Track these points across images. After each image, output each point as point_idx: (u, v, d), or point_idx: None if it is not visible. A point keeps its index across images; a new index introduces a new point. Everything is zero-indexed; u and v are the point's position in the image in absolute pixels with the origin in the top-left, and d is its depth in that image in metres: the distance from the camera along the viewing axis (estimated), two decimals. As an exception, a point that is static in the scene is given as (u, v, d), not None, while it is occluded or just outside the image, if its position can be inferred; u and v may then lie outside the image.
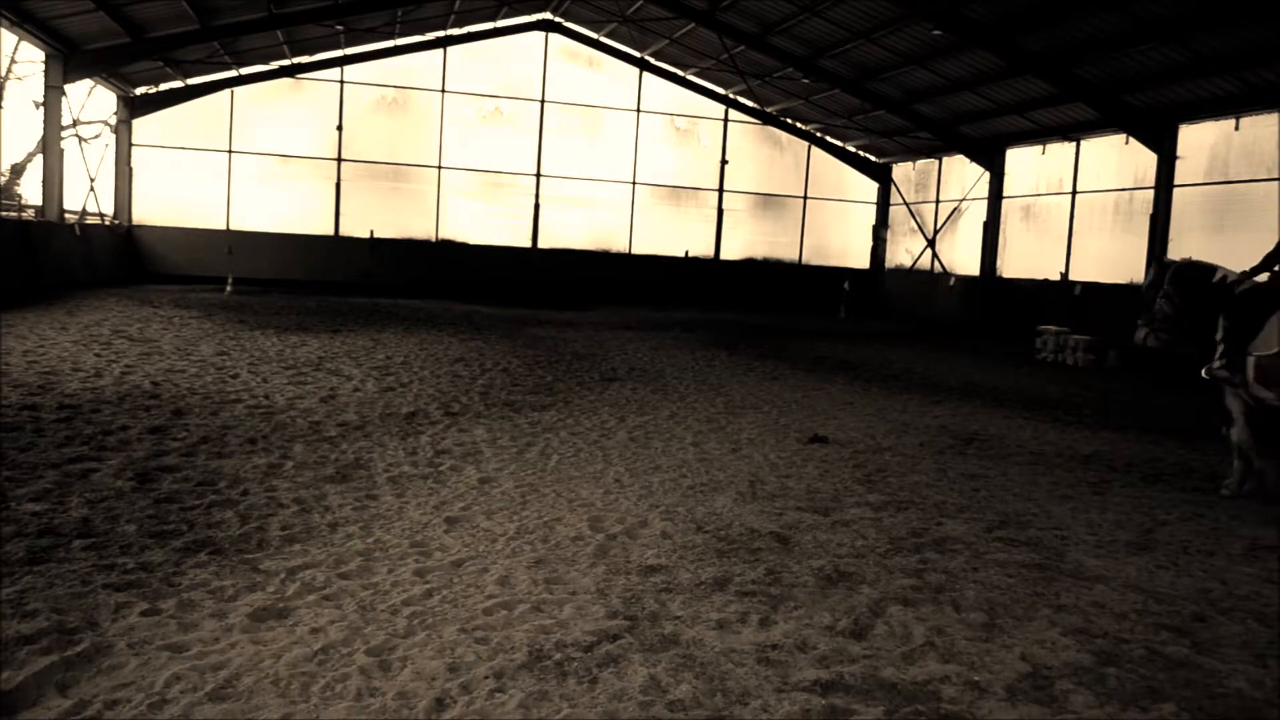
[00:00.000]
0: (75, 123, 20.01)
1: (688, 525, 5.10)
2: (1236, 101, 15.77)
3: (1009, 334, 19.12)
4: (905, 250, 27.09)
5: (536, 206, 25.58)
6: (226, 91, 23.40)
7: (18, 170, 29.47)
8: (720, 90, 26.27)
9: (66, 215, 19.56)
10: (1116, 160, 19.26)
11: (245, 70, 23.25)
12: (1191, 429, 9.52)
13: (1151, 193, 17.78)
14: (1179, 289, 7.07)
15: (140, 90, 22.79)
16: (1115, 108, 17.63)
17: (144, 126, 23.11)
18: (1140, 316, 7.38)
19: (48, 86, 18.42)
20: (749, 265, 26.93)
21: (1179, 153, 17.33)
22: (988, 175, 22.94)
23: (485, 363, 11.31)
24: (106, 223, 22.38)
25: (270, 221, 23.87)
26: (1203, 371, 6.78)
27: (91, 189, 21.12)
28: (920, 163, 26.38)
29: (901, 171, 27.30)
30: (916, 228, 26.36)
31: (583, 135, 25.78)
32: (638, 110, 26.03)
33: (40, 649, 3.18)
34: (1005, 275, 22.53)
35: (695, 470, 6.44)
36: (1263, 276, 6.78)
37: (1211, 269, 7.02)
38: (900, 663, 3.47)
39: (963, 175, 24.32)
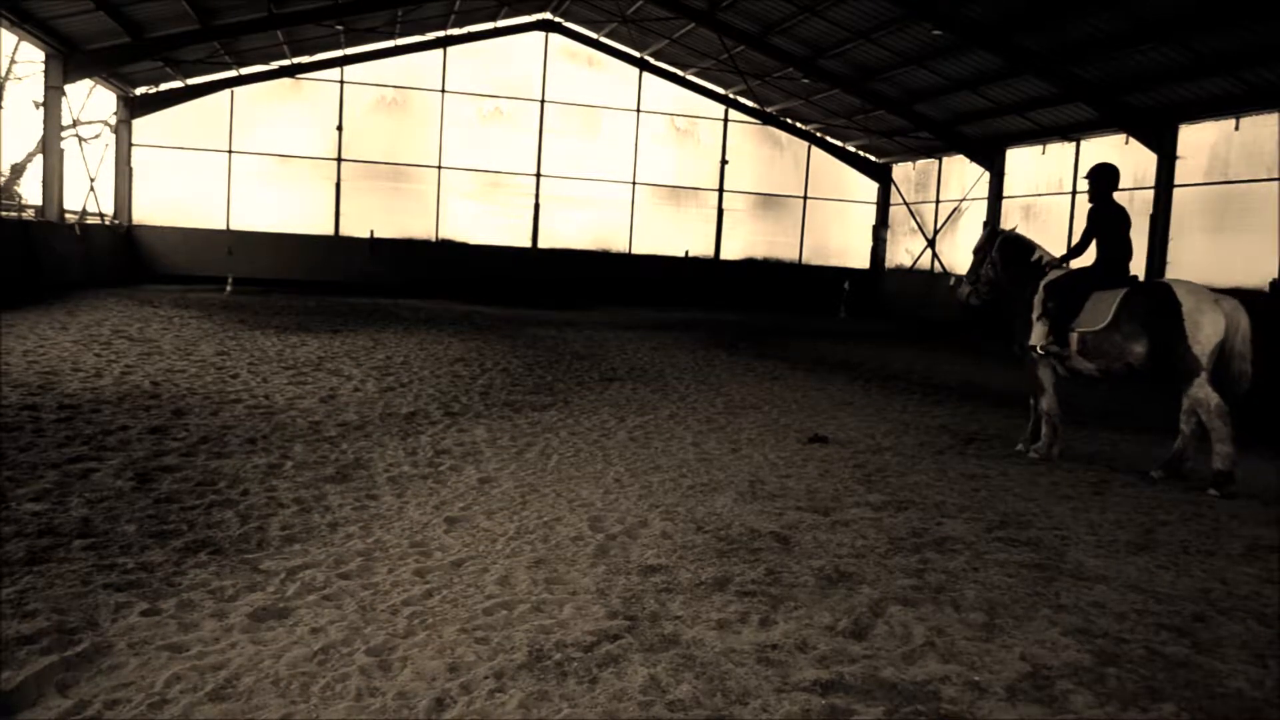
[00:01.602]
0: (75, 123, 20.00)
1: (688, 525, 5.10)
2: (1236, 101, 15.76)
3: (1009, 334, 19.10)
4: (905, 250, 27.08)
5: (536, 206, 25.58)
6: (226, 91, 23.38)
7: (18, 170, 29.42)
8: (720, 90, 26.26)
9: (66, 215, 19.55)
10: (1116, 160, 19.17)
11: (245, 70, 23.25)
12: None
13: (1151, 193, 17.78)
14: (1002, 258, 7.93)
15: (140, 90, 22.78)
16: (1115, 108, 17.62)
17: (144, 126, 23.10)
18: (967, 275, 8.21)
19: (48, 86, 18.41)
20: (749, 265, 26.91)
21: (1179, 153, 17.33)
22: (988, 175, 22.93)
23: (485, 363, 11.31)
24: (106, 223, 22.37)
25: (270, 221, 23.85)
26: (1035, 348, 7.49)
27: (91, 189, 21.12)
28: (920, 163, 26.38)
29: (901, 171, 27.30)
30: (916, 228, 26.35)
31: (583, 135, 25.76)
32: (638, 110, 26.02)
33: (40, 649, 3.18)
34: (1005, 275, 22.50)
35: (695, 470, 6.44)
36: (1075, 262, 7.69)
37: (1032, 247, 7.87)
38: (900, 663, 3.47)
39: (963, 175, 24.31)
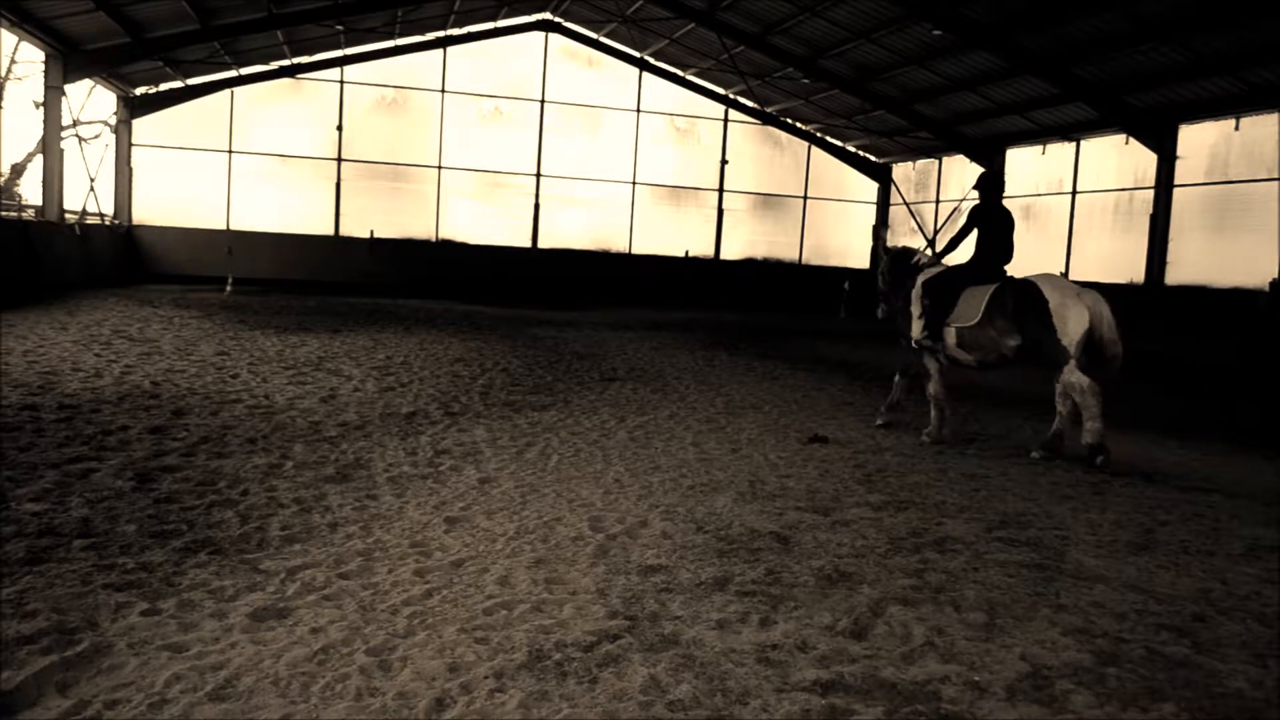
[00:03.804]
0: (75, 123, 20.01)
1: (688, 525, 5.09)
2: (1236, 101, 15.77)
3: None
4: (905, 250, 27.08)
5: (536, 206, 25.58)
6: (226, 91, 23.40)
7: (18, 170, 29.49)
8: (720, 90, 26.27)
9: (66, 215, 19.56)
10: (1116, 160, 19.26)
11: (245, 70, 23.26)
12: (1191, 429, 9.53)
13: (1151, 193, 17.79)
14: (890, 269, 8.68)
15: (140, 90, 22.79)
16: (1115, 108, 17.63)
17: (144, 126, 23.12)
18: (879, 295, 8.93)
19: (48, 86, 18.42)
20: (749, 265, 26.92)
21: (1179, 153, 17.34)
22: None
23: (485, 363, 11.31)
24: (106, 223, 22.37)
25: (270, 221, 23.87)
26: (912, 341, 8.09)
27: (91, 189, 21.13)
28: (920, 163, 26.39)
29: (901, 171, 27.30)
30: (916, 228, 26.36)
31: (583, 135, 25.78)
32: (638, 110, 26.03)
33: (40, 649, 3.18)
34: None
35: (695, 470, 6.44)
36: (949, 259, 8.34)
37: (912, 253, 8.63)
38: (900, 663, 3.47)
39: (962, 175, 24.32)
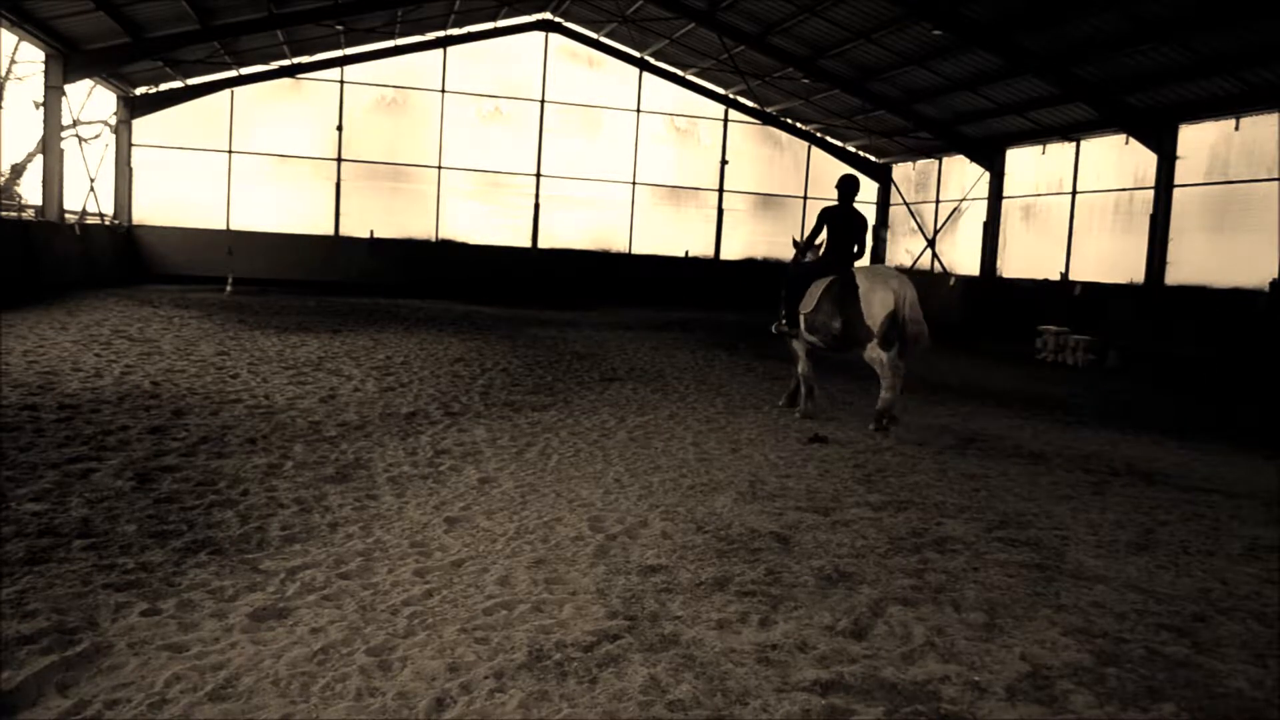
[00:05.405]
0: (75, 123, 20.00)
1: (688, 525, 5.10)
2: (1236, 101, 15.76)
3: (1009, 334, 19.12)
4: (905, 250, 27.08)
5: (536, 206, 25.58)
6: (226, 91, 23.38)
7: (18, 170, 29.45)
8: (720, 90, 26.26)
9: (66, 215, 19.54)
10: (1116, 160, 19.25)
11: (245, 70, 23.25)
12: (1191, 429, 9.53)
13: (1151, 193, 17.78)
14: (791, 265, 9.55)
15: (140, 90, 22.78)
16: (1115, 108, 17.63)
17: (144, 126, 23.10)
18: None
19: (48, 86, 18.41)
20: (749, 265, 26.91)
21: (1179, 153, 17.33)
22: (988, 175, 22.93)
23: (485, 363, 11.31)
24: (106, 223, 22.36)
25: (270, 221, 23.86)
26: (771, 327, 9.25)
27: (91, 189, 21.12)
28: (920, 163, 26.38)
29: (901, 171, 27.29)
30: (916, 228, 26.36)
31: (583, 135, 25.77)
32: (638, 110, 26.02)
33: (40, 649, 3.18)
34: (1005, 275, 22.53)
35: (695, 470, 6.44)
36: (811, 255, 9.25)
37: (805, 251, 9.38)
38: (900, 663, 3.47)
39: (963, 175, 24.31)
